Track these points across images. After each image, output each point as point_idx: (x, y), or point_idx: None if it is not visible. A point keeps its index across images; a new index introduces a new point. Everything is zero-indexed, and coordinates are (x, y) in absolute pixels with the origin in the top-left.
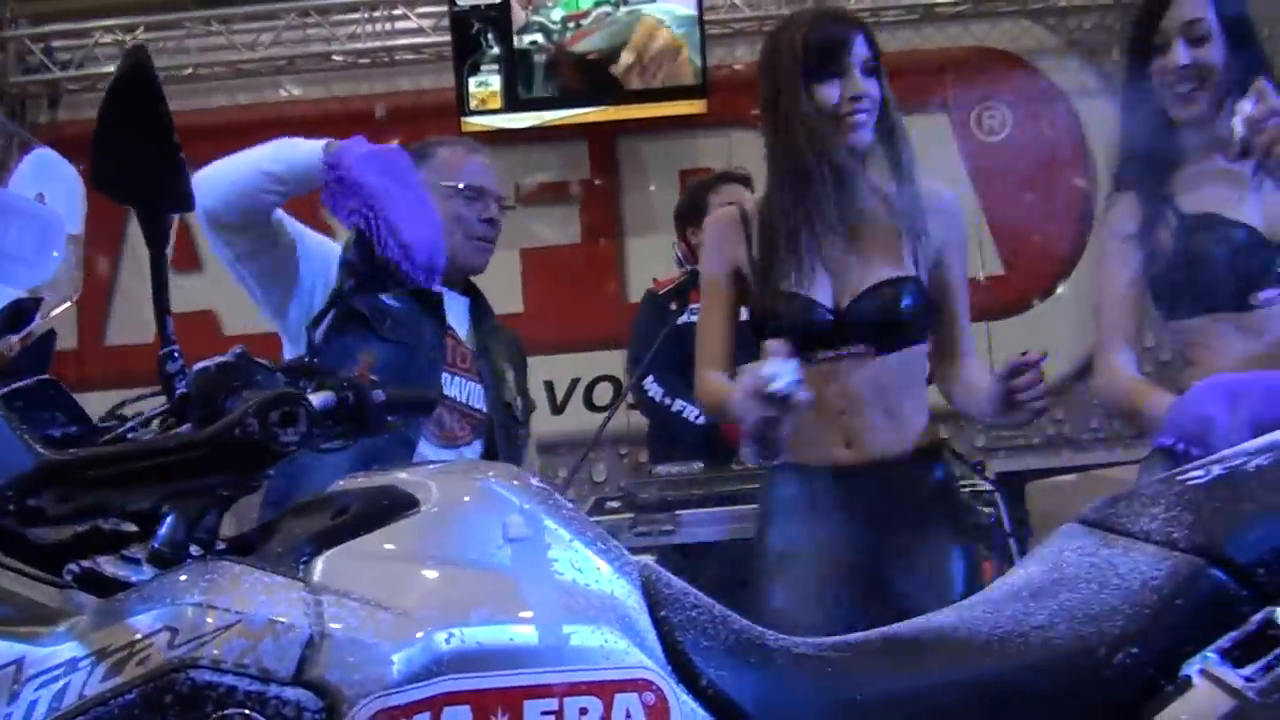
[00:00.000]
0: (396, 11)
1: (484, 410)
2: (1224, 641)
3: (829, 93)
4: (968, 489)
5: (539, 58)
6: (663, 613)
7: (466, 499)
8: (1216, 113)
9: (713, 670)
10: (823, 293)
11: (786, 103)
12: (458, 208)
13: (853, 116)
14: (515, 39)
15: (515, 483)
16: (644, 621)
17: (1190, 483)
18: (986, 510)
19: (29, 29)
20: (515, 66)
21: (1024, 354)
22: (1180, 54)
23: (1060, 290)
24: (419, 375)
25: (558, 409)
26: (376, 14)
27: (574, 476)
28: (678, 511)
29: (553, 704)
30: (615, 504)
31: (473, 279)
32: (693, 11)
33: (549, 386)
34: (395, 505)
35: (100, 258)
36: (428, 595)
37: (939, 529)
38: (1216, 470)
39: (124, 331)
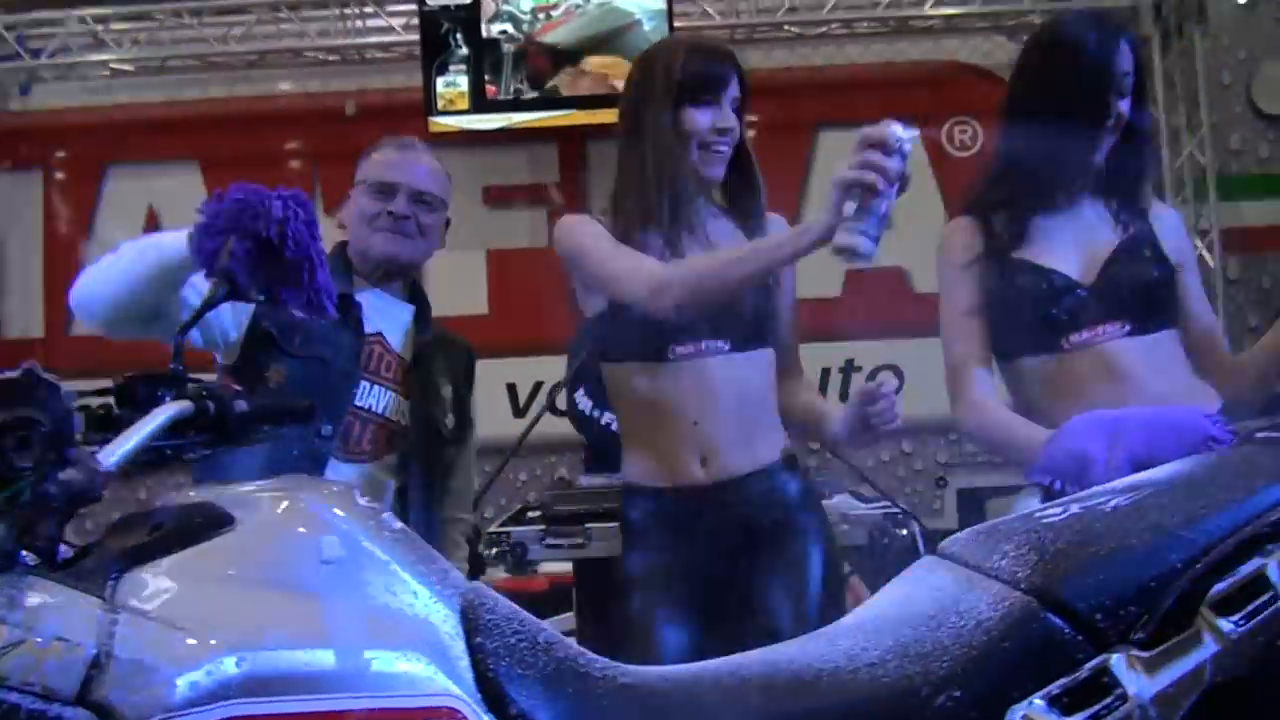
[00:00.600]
0: (368, 9)
1: (403, 422)
2: (1053, 688)
3: (700, 120)
4: (880, 512)
5: (508, 48)
6: (478, 639)
7: (283, 518)
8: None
9: (525, 699)
10: None
11: (652, 125)
12: (366, 203)
13: (716, 149)
14: (484, 29)
15: (339, 502)
16: (457, 648)
17: (1044, 520)
18: (900, 533)
19: (1, 16)
20: (483, 66)
21: (879, 384)
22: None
23: None
24: (330, 389)
25: (520, 411)
26: (348, 10)
27: (492, 483)
28: (589, 525)
29: None
30: (535, 513)
31: (423, 287)
32: (662, 6)
33: (511, 389)
34: (209, 523)
35: (67, 247)
36: (225, 617)
37: (795, 547)
38: (1074, 509)
39: None
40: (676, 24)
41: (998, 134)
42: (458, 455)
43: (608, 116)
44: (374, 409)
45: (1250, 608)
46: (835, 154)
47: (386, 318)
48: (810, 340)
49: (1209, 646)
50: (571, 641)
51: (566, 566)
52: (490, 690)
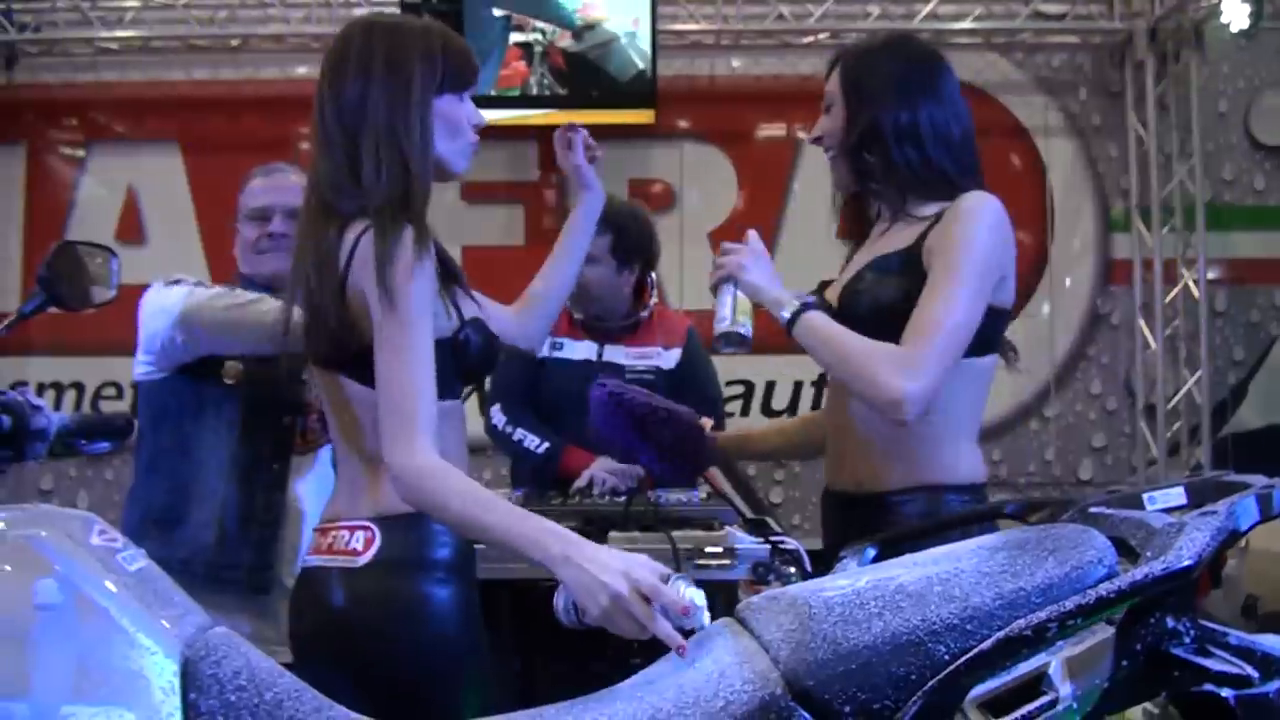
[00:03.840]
0: None
1: None
2: None
3: None
4: (767, 547)
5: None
6: (193, 695)
7: (3, 558)
8: None
9: None
10: None
11: None
12: (247, 231)
13: None
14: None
15: (68, 540)
16: (170, 704)
17: (825, 593)
18: (789, 570)
19: None
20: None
21: None
22: None
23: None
24: (279, 383)
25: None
26: None
27: None
28: None
29: None
30: None
31: None
32: (647, 21)
33: (480, 388)
34: None
35: (48, 221)
36: None
37: None
38: (861, 582)
39: None
40: (661, 29)
41: None
42: None
43: (584, 117)
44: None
45: (1023, 711)
46: (819, 164)
47: None
48: (783, 352)
49: None
50: (313, 697)
51: None
52: None
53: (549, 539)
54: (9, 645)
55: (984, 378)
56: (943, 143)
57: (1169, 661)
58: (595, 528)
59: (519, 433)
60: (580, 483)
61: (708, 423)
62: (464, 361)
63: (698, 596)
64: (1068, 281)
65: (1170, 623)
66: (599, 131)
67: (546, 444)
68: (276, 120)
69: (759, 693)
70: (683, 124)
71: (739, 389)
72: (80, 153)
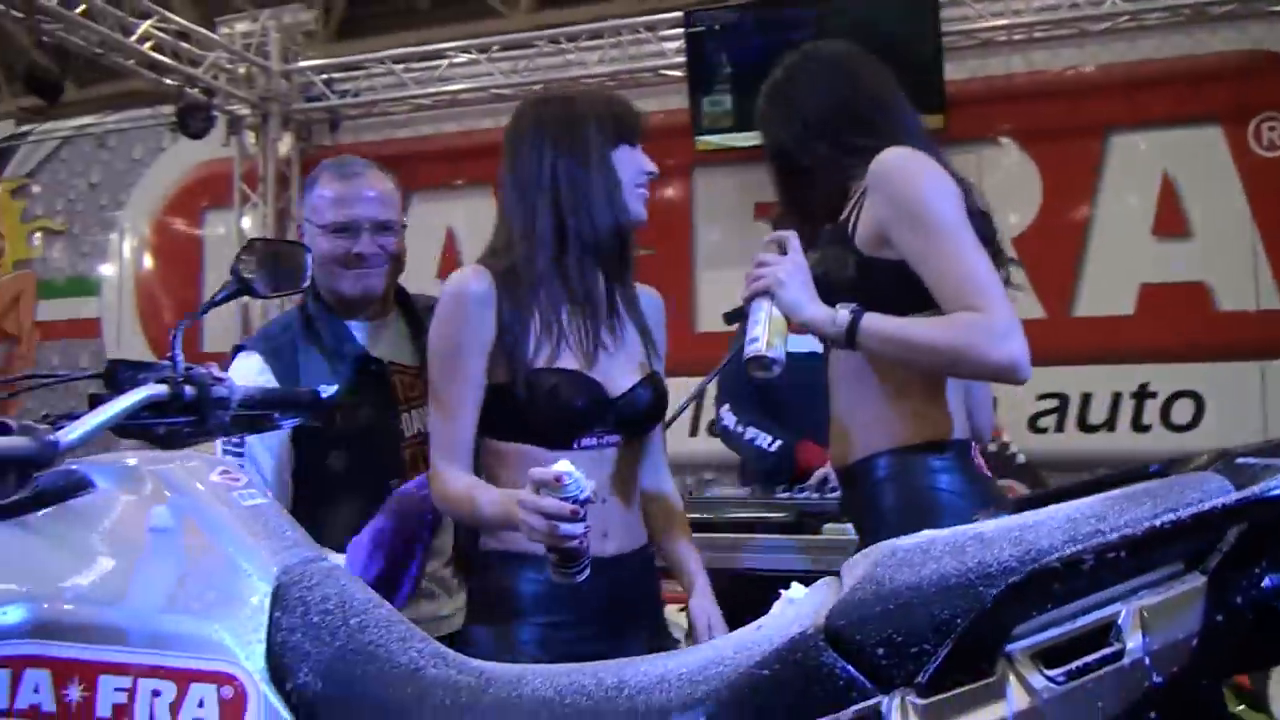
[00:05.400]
0: (641, 35)
1: None
2: None
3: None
4: None
5: None
6: (277, 614)
7: (128, 488)
8: None
9: (304, 675)
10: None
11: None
12: (327, 246)
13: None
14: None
15: (189, 476)
16: (257, 621)
17: (899, 544)
18: None
19: (313, 61)
20: (748, 83)
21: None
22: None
23: None
24: (381, 447)
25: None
26: (622, 38)
27: None
28: None
29: (126, 682)
30: None
31: (412, 294)
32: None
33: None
34: (70, 486)
35: None
36: (39, 568)
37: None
38: (945, 533)
39: None
40: (947, 29)
41: None
42: None
43: None
44: (424, 431)
45: (1081, 662)
46: (1130, 156)
47: (388, 342)
48: (1099, 362)
49: (1011, 702)
50: (403, 627)
51: None
52: (276, 664)
53: (498, 507)
54: (121, 562)
55: None
56: (848, 122)
57: None
58: (812, 520)
59: (750, 431)
60: (810, 483)
61: None
62: (529, 406)
63: (563, 465)
64: None
65: None
66: None
67: (779, 441)
68: None
69: (792, 632)
70: (979, 126)
71: (1052, 403)
72: (403, 201)
